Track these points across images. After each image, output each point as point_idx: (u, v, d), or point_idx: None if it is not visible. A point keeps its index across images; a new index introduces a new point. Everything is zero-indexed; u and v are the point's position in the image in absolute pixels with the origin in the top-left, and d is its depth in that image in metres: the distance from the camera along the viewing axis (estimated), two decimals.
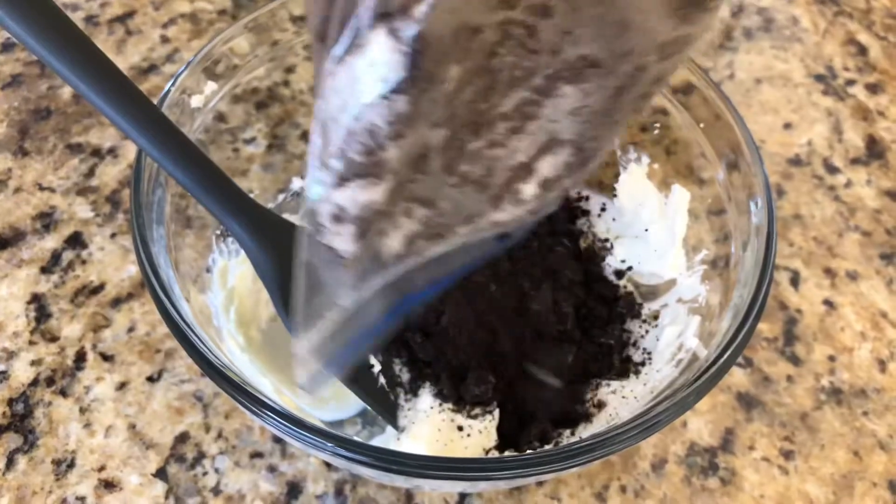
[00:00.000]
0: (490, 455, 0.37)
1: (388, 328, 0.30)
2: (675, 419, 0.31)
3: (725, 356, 0.31)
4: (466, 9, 0.19)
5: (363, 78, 0.19)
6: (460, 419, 0.37)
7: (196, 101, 0.40)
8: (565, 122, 0.24)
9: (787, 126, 0.59)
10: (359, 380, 0.36)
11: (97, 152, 0.53)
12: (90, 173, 0.52)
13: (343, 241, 0.24)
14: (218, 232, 0.42)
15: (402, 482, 0.34)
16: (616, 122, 0.26)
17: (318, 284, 0.26)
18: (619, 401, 0.38)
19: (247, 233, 0.34)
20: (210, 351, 0.30)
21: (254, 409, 0.29)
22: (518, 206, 0.27)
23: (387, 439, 0.38)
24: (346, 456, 0.28)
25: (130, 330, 0.45)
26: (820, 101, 0.61)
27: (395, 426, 0.38)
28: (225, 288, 0.40)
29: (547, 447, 0.37)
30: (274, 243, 0.35)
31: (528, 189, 0.26)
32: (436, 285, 0.30)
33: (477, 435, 0.37)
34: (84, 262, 0.48)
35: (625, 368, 0.40)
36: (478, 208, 0.27)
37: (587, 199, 0.48)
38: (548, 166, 0.26)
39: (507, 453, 0.37)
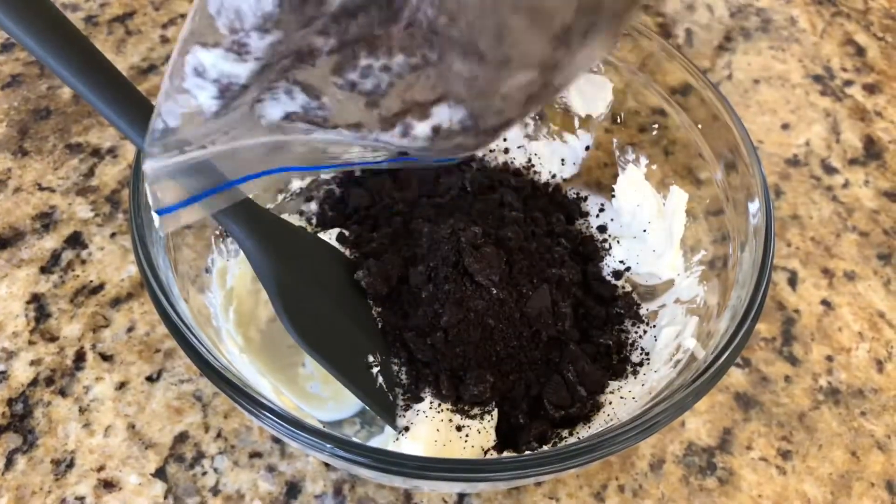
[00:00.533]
0: (489, 455, 0.37)
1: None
2: (673, 420, 0.31)
3: (724, 357, 0.32)
4: None
5: None
6: (459, 419, 0.37)
7: None
8: (457, 86, 0.26)
9: (785, 126, 0.59)
10: (357, 380, 0.36)
11: (97, 152, 0.53)
12: (90, 173, 0.52)
13: (204, 95, 0.25)
14: (217, 232, 0.42)
15: (400, 482, 0.34)
16: (506, 104, 0.27)
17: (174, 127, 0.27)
18: (618, 401, 0.38)
19: (245, 233, 0.34)
20: (208, 351, 0.30)
21: (252, 409, 0.29)
22: (410, 140, 0.29)
23: (385, 440, 0.38)
24: (344, 457, 0.29)
25: (130, 330, 0.45)
26: (818, 102, 0.61)
27: (394, 426, 0.38)
28: (224, 288, 0.40)
29: (545, 448, 0.37)
30: (273, 244, 0.35)
31: (421, 128, 0.28)
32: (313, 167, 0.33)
33: (476, 435, 0.37)
34: (84, 261, 0.48)
35: (623, 369, 0.40)
36: (365, 119, 0.28)
37: (585, 199, 0.48)
38: (442, 117, 0.28)
39: (505, 454, 0.37)
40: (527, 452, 0.33)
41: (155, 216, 0.32)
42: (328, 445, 0.29)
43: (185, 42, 0.24)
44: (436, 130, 0.28)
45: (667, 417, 0.31)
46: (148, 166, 0.28)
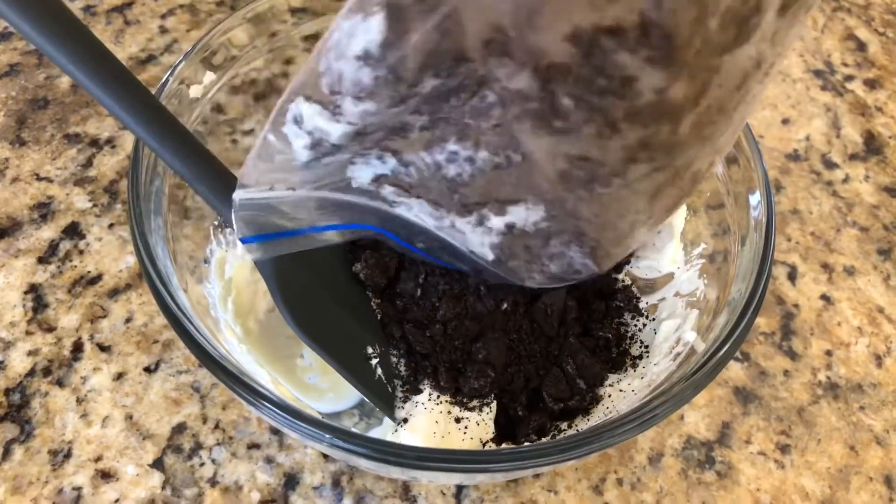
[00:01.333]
0: (487, 447, 0.37)
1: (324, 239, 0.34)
2: (672, 413, 0.31)
3: (723, 350, 0.31)
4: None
5: (356, 33, 0.22)
6: (458, 411, 0.37)
7: (195, 91, 0.40)
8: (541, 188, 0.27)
9: (786, 121, 0.59)
10: (356, 371, 0.36)
11: (95, 142, 0.53)
12: (88, 163, 0.52)
13: (298, 143, 0.27)
14: (216, 222, 0.41)
15: (398, 474, 0.34)
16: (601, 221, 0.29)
17: (270, 158, 0.28)
18: (617, 394, 0.38)
19: None
20: (207, 342, 0.30)
21: (251, 399, 0.29)
22: (483, 233, 0.30)
23: (384, 431, 0.38)
24: (343, 447, 0.28)
25: (128, 320, 0.45)
26: (818, 97, 0.61)
27: (393, 418, 0.37)
28: (222, 279, 0.40)
29: (544, 440, 0.37)
30: None
31: (496, 221, 0.30)
32: (393, 236, 0.34)
33: (475, 427, 0.37)
34: (81, 252, 0.47)
35: (622, 362, 0.40)
36: (445, 200, 0.29)
37: None
38: (519, 216, 0.29)
39: (504, 446, 0.37)
40: (525, 444, 0.33)
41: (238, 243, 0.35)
42: (327, 436, 0.29)
43: (293, 91, 0.25)
44: (510, 227, 0.30)
45: (666, 410, 0.31)
46: (237, 195, 0.30)
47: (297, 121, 0.26)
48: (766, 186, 0.36)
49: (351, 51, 0.22)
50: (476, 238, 0.30)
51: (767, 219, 0.35)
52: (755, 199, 0.37)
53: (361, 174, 0.29)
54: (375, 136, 0.26)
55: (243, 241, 0.31)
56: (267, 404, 0.29)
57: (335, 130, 0.25)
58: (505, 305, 0.39)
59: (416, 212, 0.30)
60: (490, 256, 0.31)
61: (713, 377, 0.31)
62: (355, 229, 0.35)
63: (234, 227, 0.31)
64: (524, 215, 0.29)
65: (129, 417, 0.42)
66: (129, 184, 0.33)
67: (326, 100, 0.24)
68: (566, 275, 0.33)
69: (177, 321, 0.30)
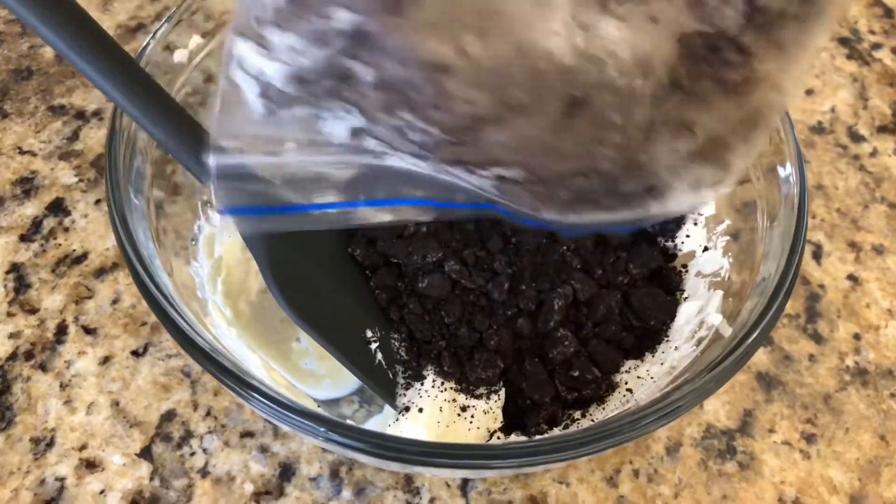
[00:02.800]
0: (495, 438, 0.35)
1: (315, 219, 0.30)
2: (696, 405, 0.28)
3: (753, 336, 0.29)
4: None
5: None
6: (463, 399, 0.35)
7: (179, 55, 0.37)
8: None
9: (810, 92, 0.56)
10: (354, 356, 0.34)
11: (81, 115, 0.50)
12: (74, 137, 0.49)
13: (250, 92, 0.25)
14: (205, 198, 0.39)
15: (398, 467, 0.31)
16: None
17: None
18: (634, 381, 0.36)
19: None
20: (191, 327, 0.28)
21: (239, 390, 0.27)
22: (479, 179, 0.27)
23: (385, 419, 0.36)
24: (339, 441, 0.26)
25: (115, 302, 0.43)
26: (844, 66, 0.58)
27: (394, 406, 0.35)
28: (211, 257, 0.37)
29: (556, 430, 0.35)
30: None
31: (486, 173, 0.27)
32: (386, 201, 0.31)
33: (481, 416, 0.35)
34: (66, 229, 0.45)
35: (639, 346, 0.37)
36: (425, 156, 0.27)
37: None
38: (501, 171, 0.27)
39: (513, 437, 0.35)
40: (536, 438, 0.31)
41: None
42: (322, 429, 0.26)
43: (232, 30, 0.23)
44: (501, 178, 0.27)
45: (689, 402, 0.28)
46: (213, 161, 0.27)
47: (241, 64, 0.24)
48: (797, 158, 0.33)
49: None
50: (474, 182, 0.27)
51: (800, 194, 0.32)
52: (785, 172, 0.34)
53: (336, 129, 0.26)
54: (325, 85, 0.24)
55: (220, 212, 0.28)
56: (256, 395, 0.27)
57: (274, 72, 0.23)
58: (515, 287, 0.36)
59: (409, 162, 0.28)
60: (494, 193, 0.28)
61: (741, 365, 0.29)
62: (355, 208, 0.32)
63: (213, 197, 0.28)
64: (507, 173, 0.26)
65: (116, 404, 0.39)
66: (106, 159, 0.31)
67: (255, 33, 0.23)
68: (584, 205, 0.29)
69: (158, 306, 0.28)
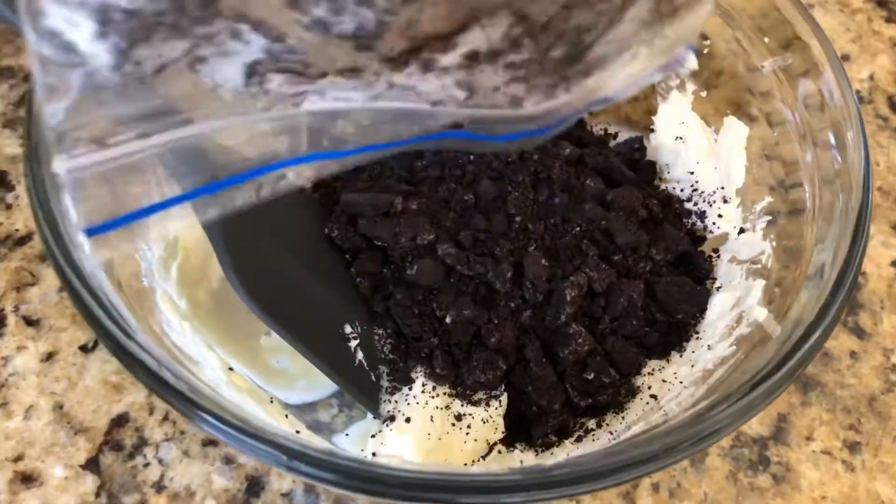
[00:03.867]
0: (496, 451, 0.31)
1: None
2: (742, 424, 0.24)
3: (813, 338, 0.25)
4: None
5: None
6: (459, 406, 0.31)
7: None
8: None
9: (846, 58, 0.52)
10: (330, 356, 0.30)
11: (30, 77, 0.45)
12: (21, 102, 0.45)
13: (81, 34, 0.18)
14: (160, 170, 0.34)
15: None
16: None
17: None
18: (659, 385, 0.31)
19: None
20: (121, 325, 0.23)
21: (179, 406, 0.22)
22: (439, 76, 0.22)
23: (368, 427, 0.33)
24: (305, 472, 0.22)
25: (62, 289, 0.39)
26: (883, 30, 0.54)
27: (377, 414, 0.31)
28: (164, 238, 0.32)
29: (567, 442, 0.30)
30: None
31: (449, 59, 0.22)
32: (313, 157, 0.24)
33: (480, 426, 0.31)
34: (9, 206, 0.41)
35: (664, 345, 0.32)
36: (363, 61, 0.21)
37: (615, 136, 0.40)
38: (476, 39, 0.21)
39: (517, 450, 0.30)
40: (550, 465, 0.26)
41: (83, 239, 0.22)
42: (284, 458, 0.22)
43: None
44: (472, 57, 0.22)
45: (731, 421, 0.24)
46: (58, 167, 0.20)
47: None
48: (859, 123, 0.28)
49: None
50: (433, 84, 0.22)
51: (865, 164, 0.27)
52: (840, 139, 0.30)
53: (225, 71, 0.20)
54: None
55: (90, 232, 0.21)
56: (200, 412, 0.22)
57: None
58: (517, 275, 0.31)
59: (335, 95, 0.22)
60: (461, 94, 0.23)
61: (797, 375, 0.24)
62: (279, 170, 0.25)
63: (73, 215, 0.22)
64: (482, 36, 0.21)
65: (59, 407, 0.36)
66: (25, 117, 0.26)
67: None
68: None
69: (77, 296, 0.23)
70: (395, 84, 0.22)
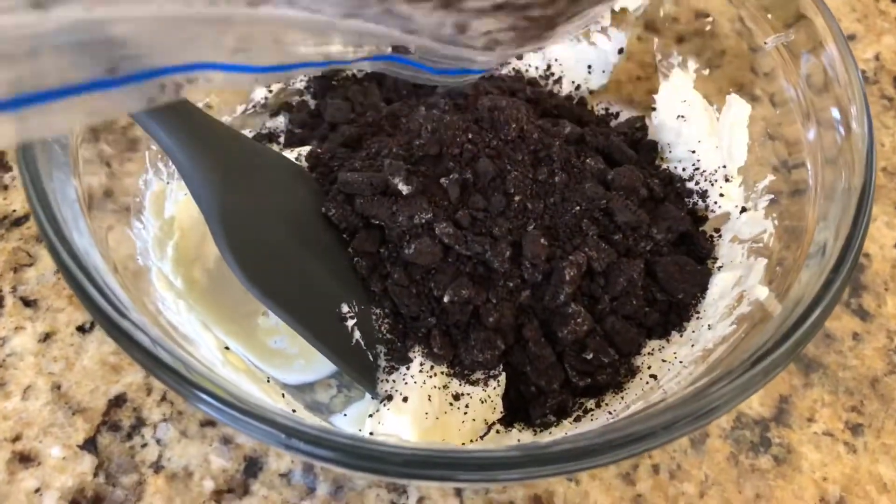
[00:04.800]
0: (494, 431, 0.30)
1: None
2: (741, 402, 0.23)
3: (813, 317, 0.24)
4: None
5: None
6: (457, 385, 0.31)
7: None
8: None
9: (851, 38, 0.52)
10: (327, 335, 0.30)
11: None
12: None
13: None
14: (153, 146, 0.34)
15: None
16: None
17: None
18: (659, 365, 0.31)
19: (178, 143, 0.27)
20: (115, 304, 0.22)
21: (175, 385, 0.22)
22: (448, 14, 0.21)
23: (367, 407, 0.32)
24: (303, 450, 0.21)
25: (59, 270, 0.37)
26: (889, 9, 0.53)
27: (374, 394, 0.31)
28: (160, 218, 0.32)
29: (566, 422, 0.30)
30: (216, 158, 0.28)
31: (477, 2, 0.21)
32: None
33: (478, 406, 0.31)
34: (6, 187, 0.41)
35: (664, 324, 0.32)
36: None
37: (617, 116, 0.39)
38: None
39: (515, 430, 0.30)
40: (548, 440, 0.26)
41: None
42: (282, 435, 0.21)
43: None
44: (500, 7, 0.21)
45: (730, 397, 0.24)
46: None
47: None
48: (862, 100, 0.28)
49: None
50: (432, 19, 0.21)
51: (868, 141, 0.27)
52: (843, 116, 0.29)
53: None
54: None
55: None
56: (197, 391, 0.22)
57: None
58: (516, 254, 0.31)
59: (306, 3, 0.21)
60: (449, 32, 0.22)
61: (797, 353, 0.24)
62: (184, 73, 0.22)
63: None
64: None
65: (57, 387, 0.35)
66: None
67: None
68: None
69: (70, 275, 0.22)
70: (394, 11, 0.21)
